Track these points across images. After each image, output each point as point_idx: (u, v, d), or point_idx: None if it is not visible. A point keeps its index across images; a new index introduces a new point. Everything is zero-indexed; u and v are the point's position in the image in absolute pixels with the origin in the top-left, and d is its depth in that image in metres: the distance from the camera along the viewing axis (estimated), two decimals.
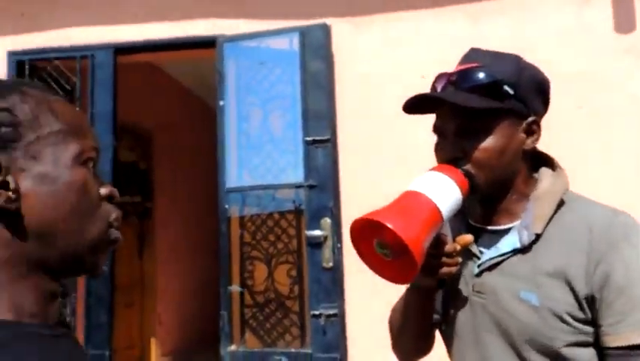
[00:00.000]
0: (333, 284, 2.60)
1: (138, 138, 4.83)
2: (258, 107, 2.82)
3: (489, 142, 0.93)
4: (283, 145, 2.76)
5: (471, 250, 1.00)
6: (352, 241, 0.92)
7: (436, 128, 1.00)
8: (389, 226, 0.81)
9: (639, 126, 2.49)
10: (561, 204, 0.95)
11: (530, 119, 0.96)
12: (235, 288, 2.78)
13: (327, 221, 2.62)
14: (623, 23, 2.53)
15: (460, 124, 0.95)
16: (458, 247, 0.94)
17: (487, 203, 0.99)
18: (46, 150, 0.62)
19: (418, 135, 2.72)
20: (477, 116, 0.93)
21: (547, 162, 1.02)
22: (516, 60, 0.97)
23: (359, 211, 3.11)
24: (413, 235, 0.82)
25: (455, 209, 0.92)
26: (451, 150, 0.95)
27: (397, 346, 1.17)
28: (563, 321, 0.89)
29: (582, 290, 0.89)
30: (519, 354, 0.93)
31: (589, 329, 0.90)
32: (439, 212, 0.88)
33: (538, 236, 0.93)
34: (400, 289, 2.98)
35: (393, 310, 1.18)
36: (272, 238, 2.80)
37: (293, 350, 2.67)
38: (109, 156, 2.84)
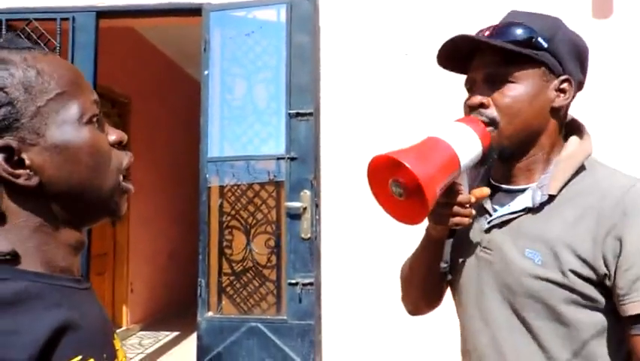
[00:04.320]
0: (310, 254, 2.67)
1: (115, 103, 4.77)
2: (242, 78, 2.83)
3: (517, 89, 0.93)
4: (266, 117, 2.78)
5: (484, 207, 1.01)
6: (368, 177, 0.92)
7: (467, 81, 1.00)
8: (406, 164, 0.82)
9: (614, 111, 2.60)
10: (581, 169, 0.94)
11: (563, 77, 0.96)
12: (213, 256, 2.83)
13: (306, 193, 2.68)
14: (600, 9, 2.63)
15: (490, 71, 0.95)
16: (473, 199, 0.95)
17: (508, 160, 0.99)
18: (49, 119, 0.62)
19: (401, 111, 2.80)
20: (508, 64, 0.93)
21: (579, 129, 1.02)
22: (555, 20, 0.98)
23: (338, 184, 3.18)
24: (428, 175, 0.83)
25: (474, 160, 0.93)
26: (479, 97, 0.95)
27: (406, 297, 1.18)
28: (564, 279, 0.88)
29: (588, 255, 0.87)
30: (517, 313, 0.94)
31: (592, 290, 0.88)
32: (457, 159, 0.89)
33: (551, 198, 0.93)
34: (373, 262, 3.05)
35: (405, 264, 1.18)
36: (251, 208, 2.84)
37: (269, 316, 2.75)
38: None
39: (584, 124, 1.03)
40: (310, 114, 2.70)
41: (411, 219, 0.91)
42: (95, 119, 0.66)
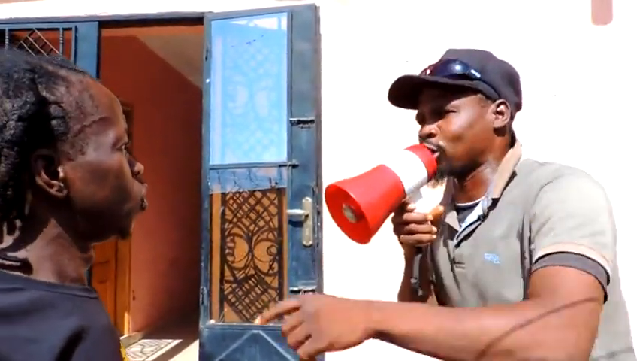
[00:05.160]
0: (312, 261, 2.67)
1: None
2: (243, 85, 2.85)
3: (459, 117, 1.05)
4: (267, 124, 2.80)
5: (452, 226, 1.11)
6: (326, 202, 1.06)
7: (418, 116, 1.13)
8: (351, 194, 0.94)
9: (614, 115, 2.61)
10: (515, 172, 1.05)
11: (499, 100, 1.07)
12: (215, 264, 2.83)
13: (308, 200, 2.69)
14: (600, 14, 2.64)
15: (434, 104, 1.07)
16: (430, 217, 1.04)
17: (462, 178, 1.10)
18: (90, 140, 0.67)
19: (400, 119, 2.80)
20: (450, 97, 1.06)
21: (514, 139, 1.13)
22: (486, 53, 1.11)
23: None
24: (370, 203, 0.95)
25: (419, 184, 1.03)
26: (427, 128, 1.07)
27: None
28: (521, 269, 0.95)
29: (526, 238, 0.94)
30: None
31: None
32: (401, 185, 1.00)
33: (495, 202, 1.03)
34: (374, 269, 3.04)
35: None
36: (253, 215, 2.85)
37: (271, 324, 2.73)
38: None
39: (515, 133, 1.13)
40: (312, 121, 2.71)
41: (360, 238, 1.05)
42: (124, 147, 0.72)
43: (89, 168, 0.67)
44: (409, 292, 1.16)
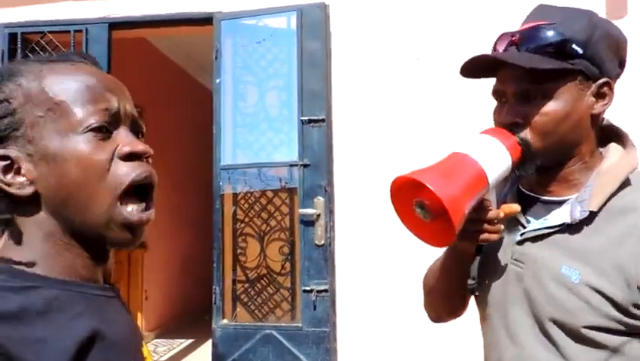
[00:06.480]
0: (324, 261, 2.66)
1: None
2: (254, 85, 2.84)
3: (552, 106, 0.86)
4: (278, 124, 2.79)
5: (517, 218, 0.94)
6: (391, 199, 0.87)
7: (496, 92, 0.93)
8: (429, 186, 0.78)
9: (630, 112, 2.57)
10: (625, 184, 0.87)
11: (601, 80, 0.88)
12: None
13: (320, 200, 2.68)
14: (614, 9, 2.60)
15: (521, 87, 0.87)
16: (502, 215, 0.90)
17: (545, 171, 0.92)
18: (45, 129, 0.62)
19: (413, 116, 2.79)
20: (541, 79, 0.86)
21: (620, 137, 0.94)
22: (588, 16, 0.88)
23: (352, 190, 3.16)
24: (454, 198, 0.78)
25: (503, 175, 0.87)
26: (510, 115, 0.89)
27: (428, 304, 1.15)
28: (602, 300, 0.83)
29: (632, 278, 0.81)
30: (544, 329, 0.89)
31: (627, 319, 0.83)
32: (485, 176, 0.83)
33: (592, 214, 0.86)
34: (387, 268, 3.03)
35: (429, 269, 1.14)
36: (265, 215, 2.85)
37: (283, 324, 2.75)
38: None
39: (626, 132, 0.95)
40: (322, 120, 2.70)
41: (438, 241, 0.87)
42: (98, 129, 0.62)
43: (50, 159, 0.61)
44: (456, 289, 1.04)
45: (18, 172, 0.61)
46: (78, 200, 0.62)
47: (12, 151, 0.61)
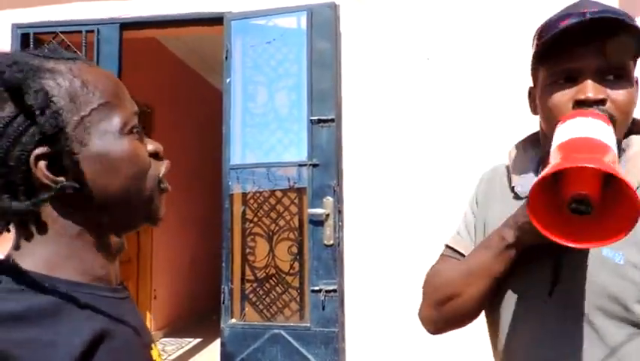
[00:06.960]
0: (333, 261, 2.66)
1: (139, 113, 4.84)
2: (263, 85, 2.85)
3: (629, 87, 0.86)
4: (288, 124, 2.79)
5: None
6: (531, 202, 0.76)
7: (568, 71, 0.88)
8: (597, 167, 0.69)
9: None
10: None
11: None
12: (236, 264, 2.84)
13: (329, 199, 2.68)
14: (627, 8, 2.59)
15: (602, 63, 0.85)
16: None
17: None
18: (92, 129, 0.63)
19: (423, 115, 2.78)
20: (633, 57, 0.86)
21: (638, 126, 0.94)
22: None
23: (361, 190, 3.14)
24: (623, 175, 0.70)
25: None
26: (594, 91, 0.84)
27: (441, 312, 1.00)
28: None
29: None
30: (582, 316, 0.86)
31: None
32: (616, 156, 0.78)
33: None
34: (396, 268, 3.00)
35: (438, 272, 1.04)
36: (274, 215, 2.85)
37: (292, 324, 2.75)
38: None
39: None
40: (332, 120, 2.70)
41: (613, 234, 0.74)
42: (135, 130, 0.67)
43: (97, 159, 0.63)
44: (488, 295, 0.94)
45: (62, 170, 0.62)
46: (131, 190, 0.66)
47: (56, 150, 0.62)
